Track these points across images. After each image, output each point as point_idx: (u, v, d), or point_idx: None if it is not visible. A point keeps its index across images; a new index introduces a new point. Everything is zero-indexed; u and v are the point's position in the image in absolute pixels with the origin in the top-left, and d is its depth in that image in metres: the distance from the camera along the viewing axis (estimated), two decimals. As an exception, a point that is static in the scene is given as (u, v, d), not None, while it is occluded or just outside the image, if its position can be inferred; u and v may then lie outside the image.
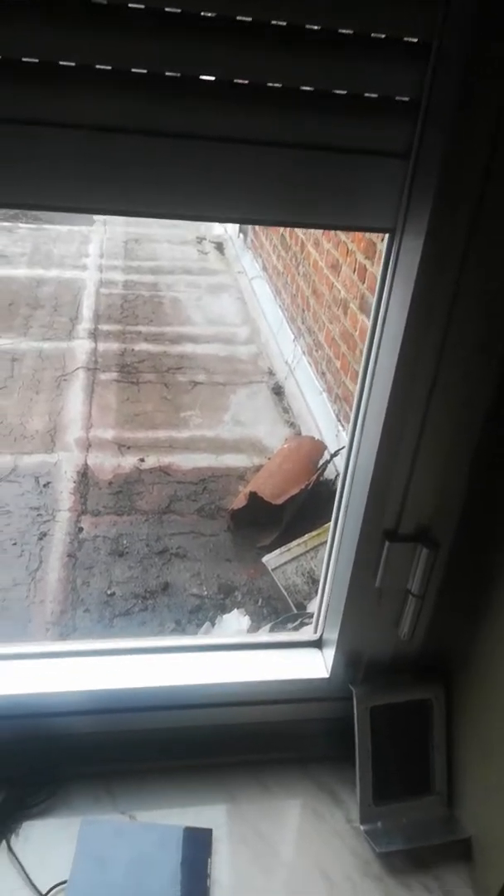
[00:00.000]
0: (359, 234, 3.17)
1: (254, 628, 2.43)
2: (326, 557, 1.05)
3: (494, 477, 0.85)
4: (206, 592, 2.78)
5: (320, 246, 3.81)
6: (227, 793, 1.01)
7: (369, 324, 0.83)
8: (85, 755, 1.00)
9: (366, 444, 0.87)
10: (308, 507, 3.11)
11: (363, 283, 3.13)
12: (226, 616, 2.52)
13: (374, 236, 2.98)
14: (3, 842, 0.91)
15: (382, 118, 0.68)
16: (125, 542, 2.98)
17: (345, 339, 3.39)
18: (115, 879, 0.88)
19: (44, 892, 0.86)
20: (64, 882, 0.87)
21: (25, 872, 0.88)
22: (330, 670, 1.03)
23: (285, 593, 2.72)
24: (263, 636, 1.14)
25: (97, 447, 3.55)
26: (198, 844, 0.93)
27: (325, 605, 1.05)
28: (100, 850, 0.91)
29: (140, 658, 1.07)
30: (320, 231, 3.80)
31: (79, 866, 0.89)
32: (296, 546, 2.79)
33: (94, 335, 4.65)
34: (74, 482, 3.24)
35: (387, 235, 0.77)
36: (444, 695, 0.99)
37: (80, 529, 2.99)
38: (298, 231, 4.28)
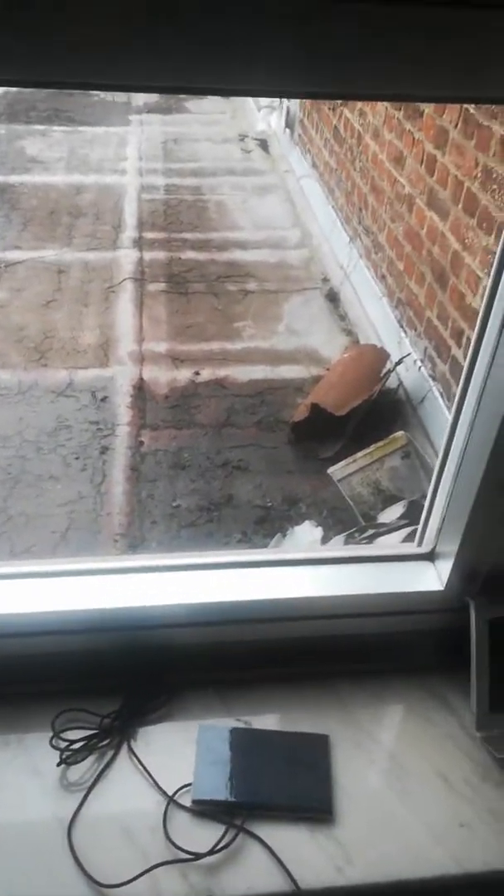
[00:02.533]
0: (429, 121, 2.94)
1: (325, 540, 2.42)
2: (438, 468, 1.00)
3: None
4: (270, 504, 2.78)
5: (380, 137, 3.56)
6: (339, 700, 1.01)
7: (499, 246, 0.73)
8: (196, 665, 1.01)
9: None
10: (372, 417, 3.04)
11: (432, 175, 2.92)
12: (297, 528, 2.52)
13: (446, 122, 2.76)
14: (126, 747, 0.93)
15: None
16: (186, 455, 2.98)
17: (409, 239, 3.21)
18: (238, 780, 0.89)
19: (170, 794, 0.88)
20: (188, 785, 0.89)
21: (150, 775, 0.90)
22: (445, 583, 1.00)
23: (352, 504, 2.70)
24: (364, 550, 1.12)
25: (151, 361, 3.50)
26: (316, 749, 0.94)
27: (440, 517, 1.01)
28: (220, 753, 0.92)
29: (245, 572, 1.06)
30: (380, 120, 3.54)
31: (201, 769, 0.90)
32: (361, 457, 2.74)
33: (139, 244, 4.51)
34: (131, 396, 3.22)
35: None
36: None
37: (141, 443, 2.99)
38: (354, 122, 4.00)
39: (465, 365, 0.90)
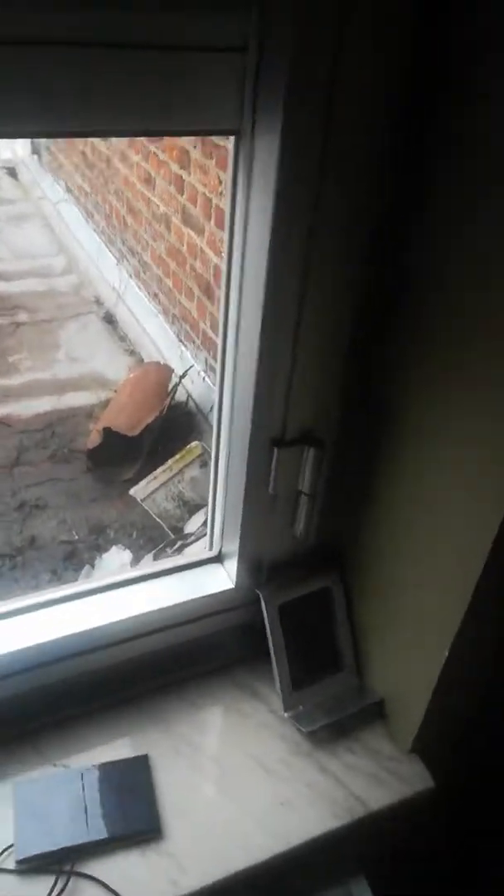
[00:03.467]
0: (168, 143, 3.05)
1: (135, 561, 2.43)
2: (213, 475, 1.06)
3: (364, 375, 0.89)
4: (76, 537, 2.73)
5: (128, 160, 3.63)
6: (155, 717, 1.03)
7: (225, 234, 0.81)
8: (2, 720, 0.98)
9: (242, 360, 0.87)
10: (166, 432, 3.09)
11: (182, 194, 3.04)
12: (105, 555, 2.49)
13: (186, 143, 2.89)
14: None
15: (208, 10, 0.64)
16: (-22, 502, 2.82)
17: (173, 256, 3.31)
18: (62, 825, 0.88)
19: (-8, 861, 0.85)
20: (11, 846, 0.86)
21: (-33, 849, 0.86)
22: (235, 580, 1.06)
23: (159, 520, 2.73)
24: (161, 564, 1.15)
25: None
26: (137, 771, 0.95)
27: (220, 520, 1.07)
28: (39, 804, 0.90)
29: (40, 613, 1.04)
30: (125, 142, 3.61)
31: (21, 824, 0.88)
32: (161, 473, 2.78)
33: None
34: None
35: (231, 139, 0.74)
36: (340, 580, 1.06)
37: None
38: (101, 146, 4.03)
39: (218, 369, 0.95)
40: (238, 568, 1.05)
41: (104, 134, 0.72)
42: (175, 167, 3.05)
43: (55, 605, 1.06)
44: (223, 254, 0.82)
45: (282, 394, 0.86)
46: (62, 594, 1.07)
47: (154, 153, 3.26)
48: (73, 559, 2.64)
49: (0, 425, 3.23)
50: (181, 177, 3.01)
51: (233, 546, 1.05)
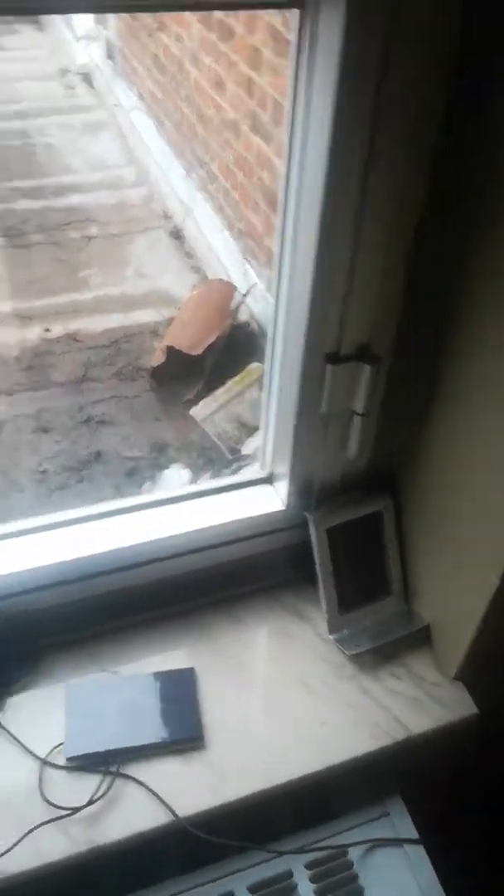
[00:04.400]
0: (241, 42, 2.87)
1: (194, 479, 2.45)
2: (266, 394, 1.03)
3: (425, 288, 0.82)
4: (139, 454, 2.77)
5: (199, 62, 3.45)
6: (203, 633, 1.04)
7: (285, 133, 0.74)
8: (60, 625, 1.01)
9: (298, 272, 0.81)
10: (226, 352, 3.05)
11: (252, 98, 2.88)
12: (165, 472, 2.53)
13: (257, 41, 2.71)
14: (-8, 721, 0.92)
15: None
16: (47, 416, 2.88)
17: (240, 167, 3.18)
18: (110, 728, 0.91)
19: (43, 756, 0.89)
20: (61, 744, 0.90)
21: (21, 742, 0.90)
22: (285, 501, 1.04)
23: (217, 441, 2.74)
24: (212, 483, 1.14)
25: (-4, 322, 3.33)
26: (184, 683, 0.97)
27: (271, 441, 1.04)
28: (89, 707, 0.94)
29: (99, 523, 1.06)
30: (196, 44, 3.42)
31: (72, 723, 0.91)
32: (221, 393, 2.77)
33: (-33, 197, 4.20)
34: (-20, 362, 3.06)
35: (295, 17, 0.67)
36: (392, 504, 1.03)
37: (-3, 411, 2.87)
38: (173, 48, 3.85)
39: (274, 281, 0.91)
40: (289, 489, 1.04)
41: (160, 7, 0.65)
42: (245, 68, 2.88)
43: (111, 517, 1.08)
44: (284, 160, 0.76)
45: (337, 307, 0.81)
46: (118, 507, 1.09)
47: (224, 53, 3.09)
48: (134, 475, 2.69)
49: (70, 341, 3.26)
50: (251, 79, 2.85)
51: (283, 467, 1.03)
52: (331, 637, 1.02)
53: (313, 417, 0.92)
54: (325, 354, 0.85)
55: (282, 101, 2.65)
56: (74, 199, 4.30)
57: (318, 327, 0.82)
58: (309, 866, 0.89)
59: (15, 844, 0.80)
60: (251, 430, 2.73)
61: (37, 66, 6.03)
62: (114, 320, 3.42)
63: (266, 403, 1.04)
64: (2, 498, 2.53)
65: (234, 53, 2.99)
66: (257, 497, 1.10)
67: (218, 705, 0.95)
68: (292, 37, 0.67)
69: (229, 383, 2.76)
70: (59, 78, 5.88)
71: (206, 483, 1.17)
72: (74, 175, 4.57)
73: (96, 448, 2.77)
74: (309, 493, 1.04)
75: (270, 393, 1.01)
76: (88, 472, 2.69)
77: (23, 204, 4.22)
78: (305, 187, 0.75)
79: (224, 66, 3.14)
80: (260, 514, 1.07)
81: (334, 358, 0.85)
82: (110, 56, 5.49)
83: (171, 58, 3.93)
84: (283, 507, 1.07)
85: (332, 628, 1.03)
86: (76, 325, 3.36)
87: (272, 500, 1.08)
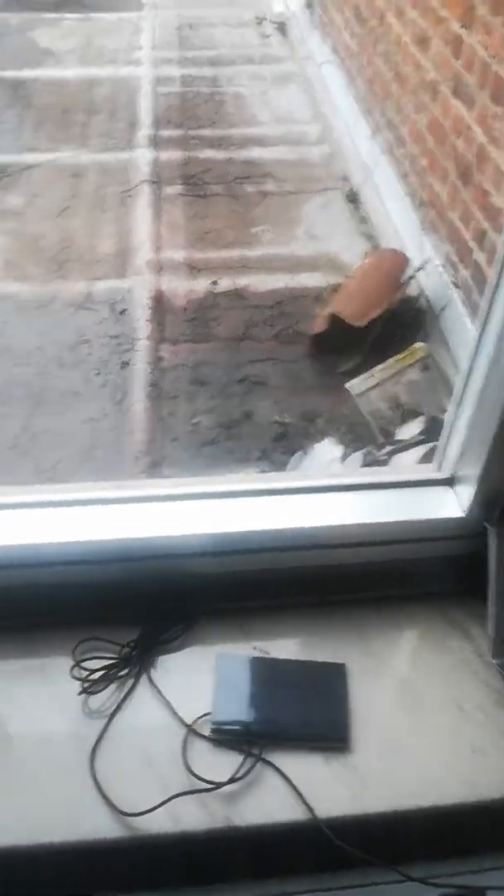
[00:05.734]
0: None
1: (345, 457, 2.40)
2: (460, 391, 0.96)
3: None
4: (288, 420, 2.75)
5: (404, 15, 3.27)
6: (356, 629, 1.02)
7: None
8: (214, 593, 1.02)
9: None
10: (391, 327, 2.94)
11: (457, 59, 2.69)
12: (317, 446, 2.50)
13: None
14: (146, 676, 0.95)
15: None
16: (205, 370, 2.93)
17: (433, 132, 3.00)
18: (255, 708, 0.91)
19: (189, 723, 0.90)
20: (207, 714, 0.91)
21: (170, 704, 0.92)
22: (466, 509, 0.98)
23: (370, 419, 2.66)
24: (382, 475, 1.09)
25: (169, 270, 3.39)
26: (333, 678, 0.95)
27: (460, 441, 0.98)
28: (237, 682, 0.94)
29: (265, 500, 1.05)
30: (408, -2, 3.23)
31: (220, 698, 0.92)
32: (380, 370, 2.67)
33: (155, 143, 4.28)
34: (150, 309, 3.14)
35: None
36: None
37: (161, 359, 2.94)
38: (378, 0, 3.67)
39: (493, 272, 0.84)
40: (473, 497, 0.97)
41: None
42: (456, 25, 2.69)
43: (282, 496, 1.07)
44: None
45: None
46: (288, 486, 1.07)
47: (434, 8, 2.89)
48: (282, 441, 2.68)
49: (235, 297, 3.28)
50: (460, 37, 2.65)
51: (471, 471, 0.96)
52: (494, 661, 0.96)
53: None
54: None
55: (490, 62, 2.45)
56: (255, 153, 4.27)
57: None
58: (441, 899, 0.85)
59: (156, 807, 0.82)
60: (406, 413, 2.63)
61: (234, 11, 5.99)
62: (279, 280, 3.39)
63: (460, 400, 0.98)
64: (157, 444, 2.61)
65: (444, 8, 2.80)
66: (434, 499, 1.04)
67: (366, 709, 0.93)
68: None
69: (390, 360, 2.67)
70: (254, 26, 5.83)
71: (382, 475, 1.12)
72: (259, 128, 4.54)
73: (248, 408, 2.79)
74: (494, 505, 0.97)
75: (467, 390, 0.95)
76: (237, 430, 2.71)
77: (206, 153, 4.25)
78: None
79: (431, 22, 2.94)
80: (435, 518, 1.02)
81: None
82: (308, 5, 5.34)
83: (374, 10, 3.75)
84: (462, 515, 1.00)
85: (497, 652, 0.96)
86: (243, 281, 3.37)
87: (450, 504, 1.02)
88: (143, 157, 4.14)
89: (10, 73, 4.96)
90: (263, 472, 2.54)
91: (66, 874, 0.82)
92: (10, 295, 3.18)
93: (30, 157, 4.12)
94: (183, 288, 3.30)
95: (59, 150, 4.20)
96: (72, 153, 4.18)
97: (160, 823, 0.81)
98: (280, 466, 2.56)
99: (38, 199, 3.81)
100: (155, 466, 2.54)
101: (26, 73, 4.99)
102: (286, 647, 0.99)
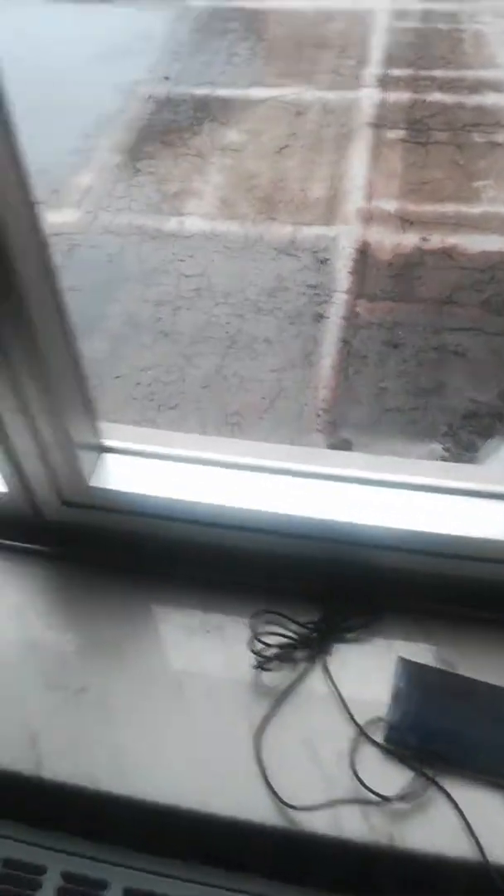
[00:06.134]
0: None
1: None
2: None
3: None
4: (483, 398, 2.56)
5: None
6: None
7: None
8: (404, 591, 0.95)
9: None
10: None
11: None
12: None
13: None
14: (321, 663, 0.91)
15: None
16: (400, 332, 2.79)
17: None
18: (435, 725, 0.85)
19: (361, 724, 0.85)
20: (380, 719, 0.85)
21: (343, 699, 0.88)
22: None
23: None
24: None
25: (378, 221, 3.24)
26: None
27: None
28: (418, 692, 0.87)
29: (472, 502, 0.95)
30: None
31: (397, 706, 0.86)
32: None
33: (383, 82, 4.06)
34: (353, 260, 3.03)
35: None
36: None
37: (356, 315, 2.84)
38: None
39: None
40: None
41: None
42: None
43: (479, 499, 0.96)
44: None
45: None
46: (490, 489, 0.97)
47: None
48: (472, 420, 2.50)
49: (444, 256, 3.07)
50: None
51: None
52: None
53: None
54: None
55: None
56: (490, 99, 3.93)
57: None
58: None
59: (319, 807, 0.78)
60: None
61: None
62: (495, 243, 3.13)
63: None
64: (340, 403, 2.54)
65: None
66: None
67: None
68: None
69: None
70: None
71: None
72: (497, 70, 4.15)
73: (441, 378, 2.63)
74: None
75: None
76: (425, 401, 2.57)
77: (435, 96, 3.97)
78: None
79: None
80: None
81: None
82: None
83: None
84: None
85: None
86: (455, 239, 3.15)
87: None
88: (368, 98, 3.95)
89: (250, 3, 4.90)
90: (446, 449, 2.39)
91: (220, 846, 0.82)
92: (220, 234, 3.20)
93: (255, 93, 4.07)
94: (390, 241, 3.14)
95: (285, 87, 4.11)
96: (297, 90, 4.08)
97: (323, 824, 0.78)
98: (466, 447, 2.40)
99: (257, 137, 3.77)
100: (334, 426, 2.48)
101: (265, 3, 4.91)
102: (478, 667, 0.90)
